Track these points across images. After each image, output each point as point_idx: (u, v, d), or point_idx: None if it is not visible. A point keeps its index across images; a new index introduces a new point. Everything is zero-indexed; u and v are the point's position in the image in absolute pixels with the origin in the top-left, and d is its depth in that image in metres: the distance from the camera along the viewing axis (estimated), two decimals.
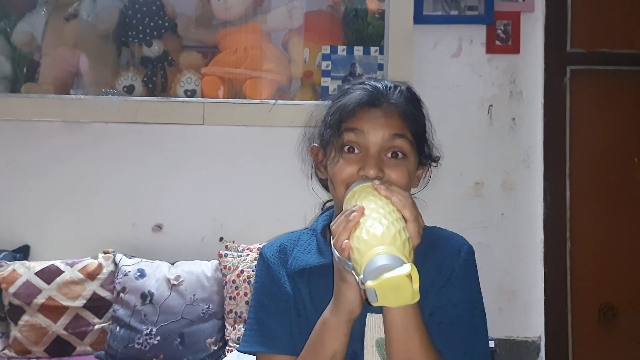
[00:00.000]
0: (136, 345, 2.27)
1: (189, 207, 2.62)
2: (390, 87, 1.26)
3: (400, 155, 1.21)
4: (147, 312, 2.30)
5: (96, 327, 2.36)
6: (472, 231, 2.61)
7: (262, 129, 2.61)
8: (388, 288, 0.98)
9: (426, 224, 1.21)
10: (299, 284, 1.27)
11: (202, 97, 2.64)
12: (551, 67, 2.69)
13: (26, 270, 2.38)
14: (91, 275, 2.39)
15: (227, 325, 2.33)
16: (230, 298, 2.33)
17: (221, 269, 2.37)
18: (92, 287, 2.38)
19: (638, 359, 2.69)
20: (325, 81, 2.67)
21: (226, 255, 2.39)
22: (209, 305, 2.33)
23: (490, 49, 2.67)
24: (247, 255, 2.38)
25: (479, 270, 1.28)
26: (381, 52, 2.67)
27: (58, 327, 2.33)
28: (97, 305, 2.37)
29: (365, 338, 1.22)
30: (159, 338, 2.28)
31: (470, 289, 1.25)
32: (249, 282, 2.32)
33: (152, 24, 2.66)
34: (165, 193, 2.62)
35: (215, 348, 2.31)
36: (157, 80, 2.69)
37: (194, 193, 2.62)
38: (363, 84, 1.28)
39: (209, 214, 2.62)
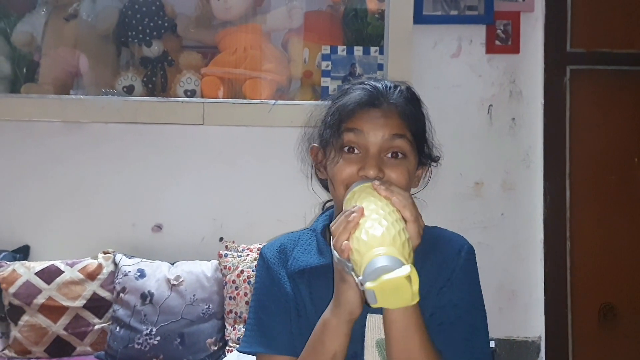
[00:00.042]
0: (136, 346, 2.27)
1: (188, 207, 2.62)
2: (390, 87, 1.26)
3: (400, 155, 1.21)
4: (147, 312, 2.30)
5: (96, 327, 2.36)
6: (472, 231, 2.61)
7: (261, 129, 2.61)
8: (387, 289, 0.98)
9: (426, 223, 1.21)
10: (299, 284, 1.27)
11: (202, 97, 2.64)
12: (551, 67, 2.68)
13: (26, 271, 2.38)
14: (91, 276, 2.39)
15: (227, 325, 2.33)
16: (230, 298, 2.33)
17: (221, 269, 2.37)
18: (92, 287, 2.38)
19: (638, 359, 2.69)
20: (325, 81, 2.67)
21: (226, 256, 2.39)
22: (209, 306, 2.33)
23: (490, 48, 2.67)
24: (247, 255, 2.38)
25: (479, 270, 1.28)
26: (381, 52, 2.67)
27: (58, 327, 2.33)
28: (97, 305, 2.37)
29: (366, 339, 1.22)
30: (158, 338, 2.28)
31: (471, 289, 1.25)
32: (249, 282, 2.32)
33: (151, 24, 2.66)
34: (165, 193, 2.62)
35: (215, 348, 2.31)
36: (157, 81, 2.69)
37: (193, 193, 2.62)
38: (363, 84, 1.27)
39: (209, 214, 2.62)
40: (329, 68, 2.67)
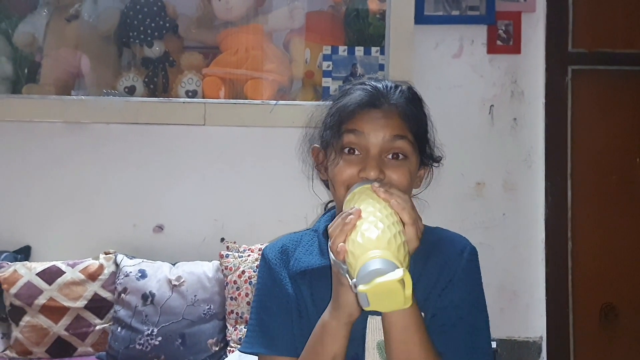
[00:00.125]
0: (137, 346, 2.27)
1: (190, 207, 2.62)
2: (390, 87, 1.25)
3: (401, 156, 1.20)
4: (148, 312, 2.30)
5: (97, 327, 2.36)
6: (474, 231, 2.61)
7: (263, 130, 2.61)
8: (380, 293, 0.97)
9: (428, 224, 1.21)
10: (300, 285, 1.26)
11: (203, 98, 2.64)
12: (552, 67, 2.68)
13: (27, 271, 2.38)
14: (92, 276, 2.39)
15: (228, 325, 2.33)
16: (231, 298, 2.33)
17: (222, 270, 2.37)
18: (93, 287, 2.38)
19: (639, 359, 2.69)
20: (327, 81, 2.67)
21: (227, 256, 2.39)
22: (210, 306, 2.33)
23: (492, 49, 2.66)
24: (248, 255, 2.38)
25: (481, 271, 1.28)
26: (382, 52, 2.67)
27: (59, 328, 2.33)
28: (98, 306, 2.37)
29: (367, 340, 1.22)
30: (160, 339, 2.28)
31: (473, 290, 1.25)
32: (250, 283, 2.32)
33: (153, 24, 2.66)
34: (166, 194, 2.62)
35: (217, 349, 2.31)
36: (158, 81, 2.69)
37: (195, 194, 2.62)
38: (363, 84, 1.27)
39: (210, 215, 2.62)
40: (330, 68, 2.67)
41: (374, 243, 1.02)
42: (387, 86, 1.26)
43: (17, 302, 2.34)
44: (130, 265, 2.39)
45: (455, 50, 2.68)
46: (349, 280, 1.03)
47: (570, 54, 2.70)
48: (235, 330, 2.32)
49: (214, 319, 2.33)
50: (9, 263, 2.42)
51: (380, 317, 1.17)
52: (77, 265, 2.41)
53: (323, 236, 1.30)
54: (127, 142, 2.62)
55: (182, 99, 2.62)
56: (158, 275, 2.37)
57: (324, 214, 1.37)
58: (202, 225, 2.61)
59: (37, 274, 2.37)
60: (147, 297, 2.32)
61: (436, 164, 1.31)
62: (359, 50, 2.69)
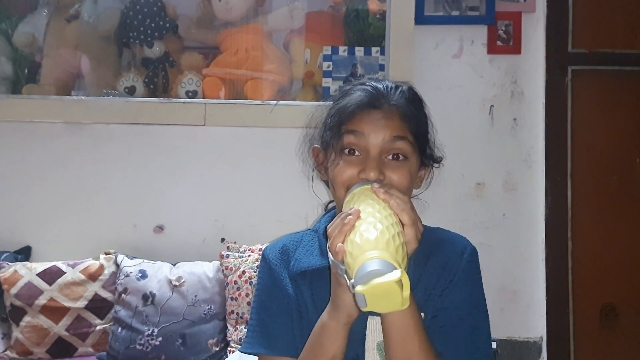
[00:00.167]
0: (138, 346, 2.27)
1: (190, 208, 2.62)
2: (391, 88, 1.25)
3: (401, 157, 1.20)
4: (148, 313, 2.30)
5: (98, 328, 2.36)
6: (474, 232, 2.61)
7: (263, 130, 2.61)
8: (377, 294, 0.97)
9: (428, 224, 1.21)
10: (301, 285, 1.26)
11: (204, 98, 2.64)
12: (552, 68, 2.68)
13: (28, 272, 2.38)
14: (93, 276, 2.39)
15: (228, 326, 2.33)
16: (231, 299, 2.33)
17: (222, 270, 2.38)
18: (94, 288, 2.38)
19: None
20: (327, 82, 2.67)
21: (227, 256, 2.39)
22: (211, 306, 2.33)
23: (492, 49, 2.67)
24: (249, 256, 2.39)
25: (481, 271, 1.28)
26: (382, 52, 2.67)
27: (60, 328, 2.33)
28: (98, 306, 2.37)
29: (367, 341, 1.21)
30: (160, 339, 2.28)
31: (473, 290, 1.25)
32: (250, 283, 2.32)
33: (153, 25, 2.67)
34: (166, 194, 2.62)
35: (217, 349, 2.31)
36: (159, 81, 2.70)
37: (195, 194, 2.62)
38: (363, 85, 1.27)
39: (211, 215, 2.62)
40: (331, 69, 2.68)
41: (372, 244, 1.02)
42: (387, 87, 1.26)
43: (18, 303, 2.34)
44: (130, 266, 2.39)
45: (456, 51, 2.68)
46: (347, 280, 1.03)
47: (570, 54, 2.70)
48: (235, 330, 2.32)
49: (215, 319, 2.33)
50: (10, 263, 2.42)
51: (380, 317, 1.18)
52: (77, 265, 2.41)
53: (323, 236, 1.29)
54: (127, 143, 2.62)
55: (182, 99, 2.62)
56: (158, 275, 2.37)
57: (325, 214, 1.37)
58: (203, 225, 2.62)
59: (38, 274, 2.37)
60: (148, 298, 2.32)
61: (436, 165, 1.31)
62: (359, 51, 2.69)
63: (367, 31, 2.72)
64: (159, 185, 2.62)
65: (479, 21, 2.65)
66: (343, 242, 1.06)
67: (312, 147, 1.33)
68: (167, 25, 2.70)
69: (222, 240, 2.59)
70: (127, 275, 2.36)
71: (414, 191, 1.27)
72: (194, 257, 2.49)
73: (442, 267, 1.23)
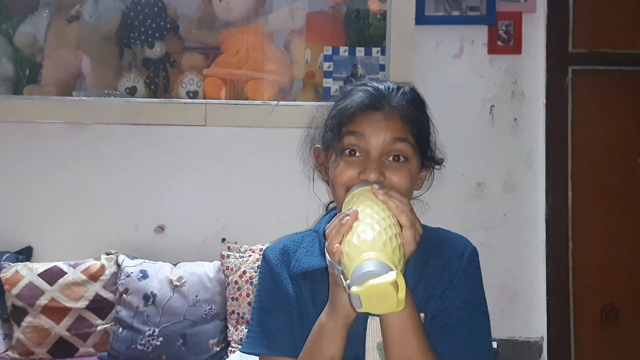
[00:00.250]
0: (139, 347, 2.28)
1: (191, 208, 2.62)
2: (392, 89, 1.25)
3: (401, 158, 1.20)
4: (149, 313, 2.30)
5: (99, 328, 2.36)
6: (474, 232, 2.61)
7: (264, 130, 2.61)
8: (372, 295, 0.97)
9: (428, 224, 1.21)
10: (301, 286, 1.27)
11: (204, 99, 2.65)
12: (553, 68, 2.68)
13: (29, 272, 2.38)
14: (94, 277, 2.39)
15: (229, 326, 2.34)
16: (232, 299, 2.34)
17: (223, 270, 2.38)
18: (95, 288, 2.38)
19: None
20: (327, 82, 2.68)
21: (228, 256, 2.39)
22: (212, 306, 2.34)
23: (492, 49, 2.67)
24: (250, 256, 2.39)
25: (482, 271, 1.28)
26: (383, 52, 2.67)
27: (61, 329, 2.33)
28: (99, 306, 2.37)
29: (367, 341, 1.21)
30: (161, 339, 2.28)
31: (474, 291, 1.24)
32: (251, 283, 2.32)
33: (154, 25, 2.67)
34: (167, 194, 2.63)
35: (218, 349, 2.31)
36: (159, 82, 2.70)
37: (196, 194, 2.62)
38: (365, 86, 1.27)
39: (211, 215, 2.62)
40: (331, 69, 2.68)
41: (369, 245, 1.02)
42: (388, 88, 1.25)
43: (19, 303, 2.34)
44: (131, 266, 2.39)
45: (456, 51, 2.68)
46: (343, 281, 1.03)
47: (570, 54, 2.70)
48: (236, 330, 2.32)
49: (215, 320, 2.34)
50: (11, 264, 2.43)
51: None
52: (78, 265, 2.42)
53: (324, 237, 1.30)
54: (128, 143, 2.63)
55: (183, 100, 2.62)
56: (159, 275, 2.37)
57: (325, 214, 1.37)
58: (203, 225, 2.62)
59: (39, 275, 2.37)
60: (149, 298, 2.32)
61: (437, 166, 1.31)
62: (360, 51, 2.69)
63: (367, 31, 2.72)
64: (160, 186, 2.62)
65: (480, 21, 2.65)
66: (340, 243, 1.06)
67: (313, 147, 1.33)
68: (168, 25, 2.70)
69: (223, 240, 2.60)
70: (128, 276, 2.36)
71: (415, 192, 1.27)
72: (194, 257, 2.49)
73: (443, 268, 1.23)
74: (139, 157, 2.63)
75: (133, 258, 2.45)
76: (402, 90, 1.26)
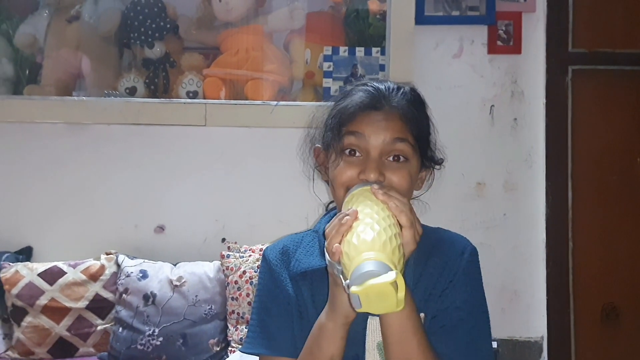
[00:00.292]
0: (139, 347, 2.28)
1: (191, 208, 2.62)
2: (392, 89, 1.25)
3: (401, 158, 1.20)
4: (149, 313, 2.30)
5: (99, 328, 2.36)
6: (474, 232, 2.61)
7: (263, 130, 2.61)
8: (372, 295, 0.97)
9: (428, 224, 1.21)
10: (301, 286, 1.27)
11: (204, 99, 2.64)
12: (553, 67, 2.68)
13: (29, 272, 2.38)
14: (94, 277, 2.40)
15: (229, 326, 2.34)
16: (232, 299, 2.34)
17: (223, 270, 2.38)
18: (95, 288, 2.38)
19: None
20: (327, 82, 2.67)
21: (228, 256, 2.39)
22: (212, 306, 2.34)
23: (492, 49, 2.67)
24: (249, 256, 2.39)
25: (482, 271, 1.28)
26: (383, 52, 2.67)
27: (61, 329, 2.33)
28: (99, 306, 2.38)
29: (367, 341, 1.21)
30: (161, 339, 2.28)
31: (474, 291, 1.24)
32: (251, 283, 2.32)
33: (153, 25, 2.67)
34: (167, 194, 2.63)
35: (218, 349, 2.31)
36: (159, 82, 2.70)
37: (196, 194, 2.62)
38: (365, 86, 1.27)
39: (211, 215, 2.62)
40: (331, 69, 2.68)
41: (369, 245, 1.02)
42: (389, 88, 1.25)
43: (19, 303, 2.34)
44: (131, 266, 2.39)
45: (456, 51, 2.68)
46: (343, 281, 1.03)
47: (570, 54, 2.70)
48: (236, 330, 2.32)
49: (215, 319, 2.34)
50: (11, 264, 2.43)
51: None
52: (78, 265, 2.42)
53: (323, 237, 1.30)
54: (128, 143, 2.63)
55: (182, 100, 2.62)
56: (159, 275, 2.37)
57: (325, 214, 1.37)
58: (203, 225, 2.62)
59: (39, 275, 2.37)
60: (149, 298, 2.32)
61: (437, 166, 1.31)
62: (360, 51, 2.69)
63: (367, 31, 2.72)
64: (160, 186, 2.62)
65: (479, 21, 2.65)
66: (340, 243, 1.06)
67: (313, 147, 1.33)
68: (168, 25, 2.70)
69: (223, 240, 2.60)
70: (128, 276, 2.36)
71: (415, 192, 1.27)
72: (194, 257, 2.49)
73: (442, 268, 1.23)
74: (138, 157, 2.63)
75: (133, 258, 2.45)
76: (402, 90, 1.26)
